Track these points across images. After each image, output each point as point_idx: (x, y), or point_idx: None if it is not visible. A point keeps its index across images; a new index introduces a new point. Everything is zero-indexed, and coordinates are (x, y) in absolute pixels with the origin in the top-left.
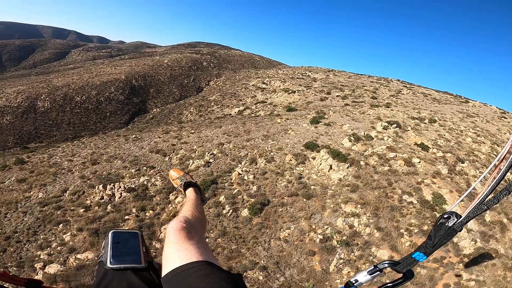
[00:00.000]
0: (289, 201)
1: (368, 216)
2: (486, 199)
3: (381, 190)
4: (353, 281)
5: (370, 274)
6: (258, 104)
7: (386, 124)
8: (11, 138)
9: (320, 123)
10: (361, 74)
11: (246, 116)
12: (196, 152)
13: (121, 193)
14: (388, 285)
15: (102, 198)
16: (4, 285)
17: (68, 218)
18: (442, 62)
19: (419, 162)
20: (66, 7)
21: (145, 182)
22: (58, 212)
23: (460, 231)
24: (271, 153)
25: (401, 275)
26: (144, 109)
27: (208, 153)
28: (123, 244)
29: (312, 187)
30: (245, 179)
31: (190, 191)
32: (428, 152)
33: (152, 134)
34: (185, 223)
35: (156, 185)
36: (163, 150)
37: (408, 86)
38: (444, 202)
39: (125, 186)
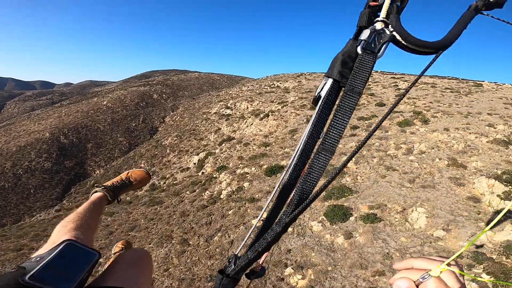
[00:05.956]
0: None
1: None
2: None
3: None
4: None
5: None
6: (224, 145)
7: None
8: None
9: (351, 217)
10: None
11: (198, 195)
12: None
13: None
14: None
15: None
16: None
17: None
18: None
19: None
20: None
21: None
22: None
23: None
24: None
25: None
26: (83, 173)
27: None
28: (66, 262)
29: None
30: None
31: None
32: None
33: None
34: None
35: None
36: None
37: (397, 76)
38: None
39: None
